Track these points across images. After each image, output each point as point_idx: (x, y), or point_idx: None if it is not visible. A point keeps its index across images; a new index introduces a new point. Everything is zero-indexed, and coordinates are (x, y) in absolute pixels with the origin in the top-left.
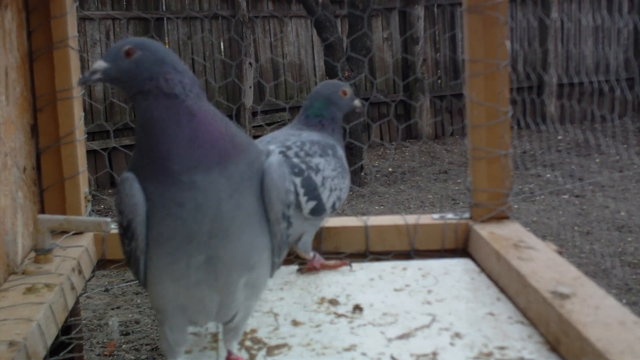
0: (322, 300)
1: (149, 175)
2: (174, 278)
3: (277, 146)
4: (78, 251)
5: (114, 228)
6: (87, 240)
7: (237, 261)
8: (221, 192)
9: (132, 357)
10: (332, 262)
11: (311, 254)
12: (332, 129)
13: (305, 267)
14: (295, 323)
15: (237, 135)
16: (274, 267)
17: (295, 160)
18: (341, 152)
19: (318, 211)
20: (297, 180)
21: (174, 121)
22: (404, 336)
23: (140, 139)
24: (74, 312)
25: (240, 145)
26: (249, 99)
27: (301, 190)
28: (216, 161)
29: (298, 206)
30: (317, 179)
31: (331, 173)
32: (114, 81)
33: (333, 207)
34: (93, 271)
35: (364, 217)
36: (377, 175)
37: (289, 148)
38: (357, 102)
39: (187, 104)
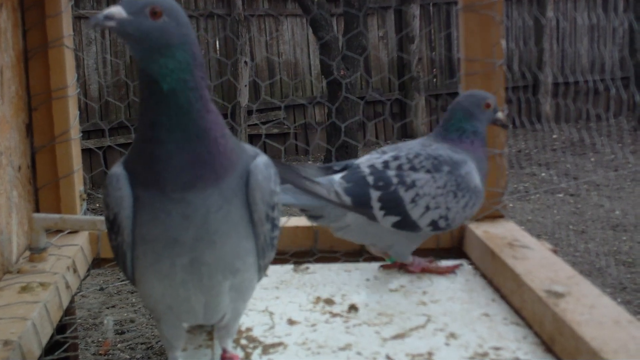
0: (317, 299)
1: (140, 178)
2: (159, 277)
3: (389, 156)
4: (73, 250)
5: None
6: (82, 239)
7: (221, 265)
8: (211, 207)
9: (127, 356)
10: (434, 266)
11: (410, 259)
12: (472, 143)
13: (409, 269)
14: (290, 322)
15: (233, 149)
16: (260, 270)
17: (391, 172)
18: (468, 169)
19: (405, 226)
20: (375, 194)
21: (183, 136)
22: (399, 336)
23: (142, 136)
24: (69, 311)
25: (235, 158)
26: (244, 98)
27: (377, 204)
28: (212, 181)
29: (373, 218)
30: (406, 195)
31: (434, 190)
32: (126, 37)
33: (434, 224)
34: (88, 270)
35: None
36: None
37: (395, 158)
38: (500, 115)
39: (202, 114)
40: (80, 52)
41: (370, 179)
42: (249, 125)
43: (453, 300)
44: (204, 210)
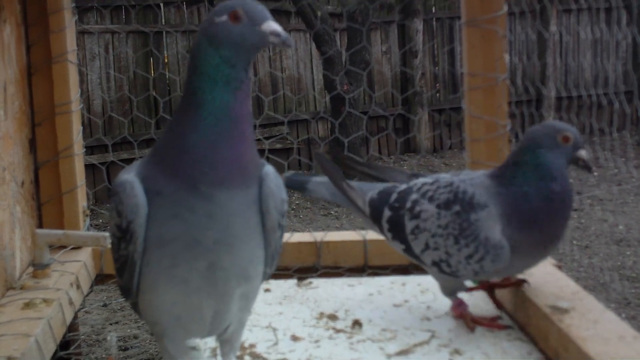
0: (321, 315)
1: (163, 175)
2: (173, 283)
3: (433, 177)
4: (76, 266)
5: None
6: (85, 255)
7: (237, 270)
8: (235, 208)
9: None
10: (478, 318)
11: (453, 298)
12: (523, 183)
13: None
14: (294, 338)
15: (256, 154)
16: (263, 278)
17: (413, 196)
18: (482, 216)
19: (411, 255)
20: (387, 214)
21: (228, 132)
22: (403, 352)
23: (183, 127)
24: (73, 327)
25: (257, 162)
26: None
27: (386, 225)
28: (239, 182)
29: (382, 233)
30: (408, 225)
31: (435, 229)
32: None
33: (437, 266)
34: (91, 286)
35: (363, 231)
36: None
37: (432, 183)
38: (583, 153)
39: (246, 114)
40: (83, 67)
41: (393, 197)
42: None
43: None
44: (227, 211)
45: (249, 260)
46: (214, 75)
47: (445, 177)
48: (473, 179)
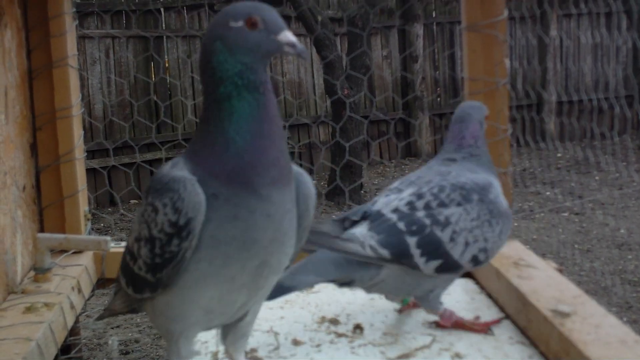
0: (322, 319)
1: (215, 178)
2: (220, 281)
3: (410, 192)
4: (77, 270)
5: (113, 247)
6: (86, 259)
7: (279, 267)
8: (287, 206)
9: None
10: (469, 322)
11: (441, 309)
12: (485, 153)
13: (439, 323)
14: (295, 342)
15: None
16: None
17: (420, 213)
18: (496, 192)
19: (447, 269)
20: (413, 241)
21: (274, 133)
22: (404, 356)
23: (231, 132)
24: (74, 331)
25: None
26: None
27: (417, 251)
28: (286, 181)
29: (415, 267)
30: (444, 235)
31: (469, 224)
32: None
33: (474, 260)
34: (93, 290)
35: None
36: (377, 194)
37: (420, 197)
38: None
39: (276, 119)
40: (84, 71)
41: (401, 226)
42: None
43: None
44: (281, 210)
45: (288, 256)
46: (240, 81)
47: (420, 188)
48: (449, 173)
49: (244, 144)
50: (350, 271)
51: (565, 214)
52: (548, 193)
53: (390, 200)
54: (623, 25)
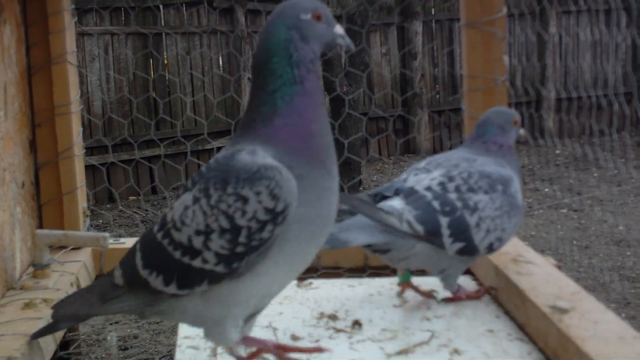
0: (321, 315)
1: (301, 162)
2: (297, 261)
3: (441, 173)
4: (76, 266)
5: (112, 243)
6: (85, 255)
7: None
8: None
9: None
10: (474, 292)
11: (455, 288)
12: (510, 156)
13: (449, 298)
14: (294, 338)
15: None
16: None
17: (452, 195)
18: (516, 187)
19: (467, 252)
20: (445, 221)
21: (326, 122)
22: (403, 352)
23: (301, 120)
24: (72, 327)
25: None
26: None
27: (446, 232)
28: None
29: (441, 246)
30: (472, 220)
31: (493, 212)
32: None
33: (490, 247)
34: None
35: None
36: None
37: (451, 179)
38: (522, 132)
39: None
40: (83, 68)
41: (436, 204)
42: None
43: (457, 316)
44: (337, 188)
45: None
46: (311, 67)
47: (450, 171)
48: (475, 160)
49: (315, 127)
50: (391, 240)
51: (564, 211)
52: (547, 189)
53: (421, 179)
54: (622, 22)
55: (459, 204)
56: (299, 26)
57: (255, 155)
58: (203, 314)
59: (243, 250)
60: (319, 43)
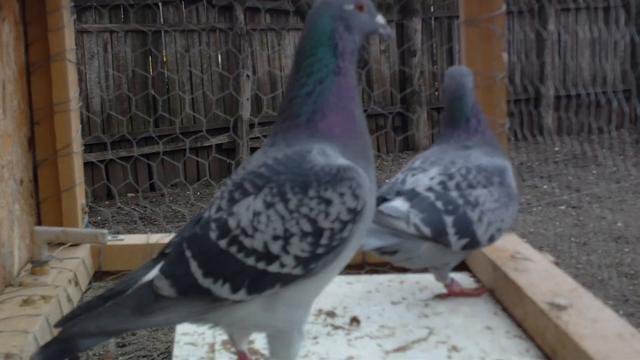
0: (319, 312)
1: (358, 158)
2: (352, 255)
3: (439, 172)
4: (75, 263)
5: (110, 240)
6: (83, 252)
7: None
8: None
9: None
10: (470, 290)
11: (449, 280)
12: (479, 126)
13: (444, 294)
14: None
15: None
16: None
17: (454, 193)
18: (510, 175)
19: (471, 246)
20: (449, 220)
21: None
22: (401, 349)
23: (349, 112)
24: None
25: None
26: (246, 112)
27: (452, 230)
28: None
29: (447, 244)
30: (474, 215)
31: (492, 205)
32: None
33: (491, 239)
34: (90, 283)
35: None
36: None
37: (451, 177)
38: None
39: None
40: (82, 66)
41: (439, 205)
42: (251, 139)
43: (455, 313)
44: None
45: None
46: (353, 58)
47: (447, 168)
48: (468, 155)
49: (360, 123)
50: (399, 242)
51: (563, 208)
52: (545, 186)
53: (420, 180)
54: (621, 20)
55: (460, 201)
56: (343, 16)
57: (327, 155)
58: (265, 320)
59: (323, 251)
60: (360, 33)
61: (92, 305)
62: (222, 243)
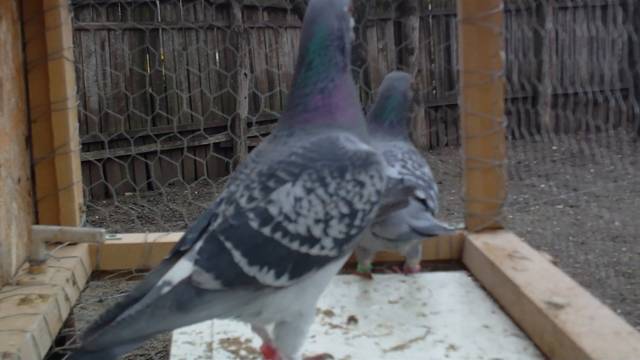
0: (317, 311)
1: (364, 142)
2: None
3: (398, 162)
4: (72, 262)
5: (108, 239)
6: (81, 251)
7: None
8: None
9: None
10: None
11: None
12: (404, 132)
13: (407, 269)
14: None
15: None
16: None
17: (417, 173)
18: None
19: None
20: (432, 192)
21: None
22: (398, 348)
23: (353, 101)
24: (68, 322)
25: None
26: (244, 110)
27: (432, 204)
28: None
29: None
30: (435, 188)
31: (429, 179)
32: None
33: (431, 210)
34: (87, 282)
35: None
36: None
37: (404, 163)
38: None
39: None
40: (80, 64)
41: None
42: (248, 137)
43: (453, 312)
44: None
45: None
46: (349, 57)
47: (393, 155)
48: (394, 145)
49: (362, 115)
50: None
51: (560, 207)
52: (543, 185)
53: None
54: (619, 18)
55: (426, 177)
56: (344, 17)
57: (353, 142)
58: (294, 304)
59: (355, 232)
60: (350, 34)
61: (114, 314)
62: (266, 230)
